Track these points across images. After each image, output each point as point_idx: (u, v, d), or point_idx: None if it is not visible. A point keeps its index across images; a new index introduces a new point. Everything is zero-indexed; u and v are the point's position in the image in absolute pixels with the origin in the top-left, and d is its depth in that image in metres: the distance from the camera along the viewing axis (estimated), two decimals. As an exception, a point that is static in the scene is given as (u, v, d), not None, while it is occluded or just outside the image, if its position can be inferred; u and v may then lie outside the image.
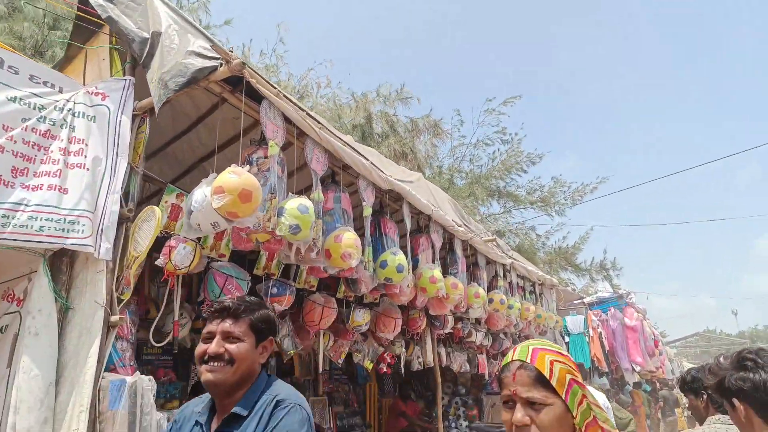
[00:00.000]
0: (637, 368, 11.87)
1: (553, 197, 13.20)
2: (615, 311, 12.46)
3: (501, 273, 5.46)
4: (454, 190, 11.51)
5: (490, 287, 5.33)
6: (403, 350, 4.92)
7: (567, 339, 10.11)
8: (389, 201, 3.79)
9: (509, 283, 5.79)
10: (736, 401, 1.42)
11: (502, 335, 6.20)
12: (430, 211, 4.12)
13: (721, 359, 1.55)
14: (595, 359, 9.70)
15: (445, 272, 4.58)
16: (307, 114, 2.86)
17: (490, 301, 5.10)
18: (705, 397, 2.24)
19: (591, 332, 9.89)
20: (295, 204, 2.58)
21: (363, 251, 3.10)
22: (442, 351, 5.18)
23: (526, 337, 7.12)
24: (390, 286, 3.66)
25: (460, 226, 4.70)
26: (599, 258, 14.06)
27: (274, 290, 3.24)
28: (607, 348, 11.31)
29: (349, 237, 2.99)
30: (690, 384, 2.37)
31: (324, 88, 11.61)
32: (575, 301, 12.63)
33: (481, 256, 5.09)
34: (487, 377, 6.42)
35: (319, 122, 2.96)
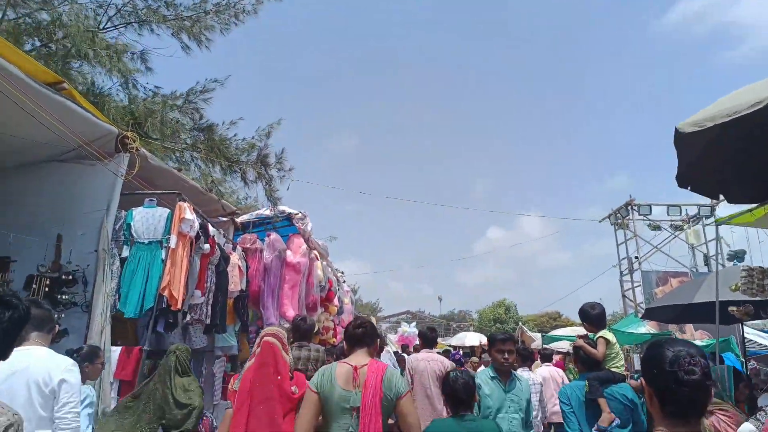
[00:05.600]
0: (287, 325, 7.71)
1: (193, 10, 7.69)
2: (276, 238, 8.03)
3: None
4: None
5: None
6: None
7: (126, 253, 4.88)
8: None
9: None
10: None
11: None
12: None
13: None
14: (167, 296, 4.69)
15: None
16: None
17: None
18: None
19: (174, 241, 4.84)
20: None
21: None
22: None
23: None
24: None
25: None
26: (264, 149, 9.02)
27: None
28: (242, 287, 6.72)
29: None
30: None
31: None
32: (222, 218, 7.83)
33: None
34: None
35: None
